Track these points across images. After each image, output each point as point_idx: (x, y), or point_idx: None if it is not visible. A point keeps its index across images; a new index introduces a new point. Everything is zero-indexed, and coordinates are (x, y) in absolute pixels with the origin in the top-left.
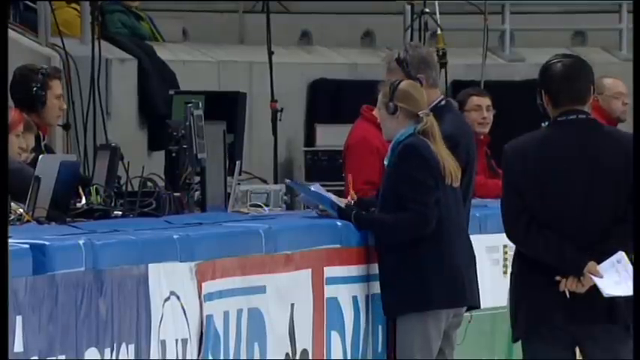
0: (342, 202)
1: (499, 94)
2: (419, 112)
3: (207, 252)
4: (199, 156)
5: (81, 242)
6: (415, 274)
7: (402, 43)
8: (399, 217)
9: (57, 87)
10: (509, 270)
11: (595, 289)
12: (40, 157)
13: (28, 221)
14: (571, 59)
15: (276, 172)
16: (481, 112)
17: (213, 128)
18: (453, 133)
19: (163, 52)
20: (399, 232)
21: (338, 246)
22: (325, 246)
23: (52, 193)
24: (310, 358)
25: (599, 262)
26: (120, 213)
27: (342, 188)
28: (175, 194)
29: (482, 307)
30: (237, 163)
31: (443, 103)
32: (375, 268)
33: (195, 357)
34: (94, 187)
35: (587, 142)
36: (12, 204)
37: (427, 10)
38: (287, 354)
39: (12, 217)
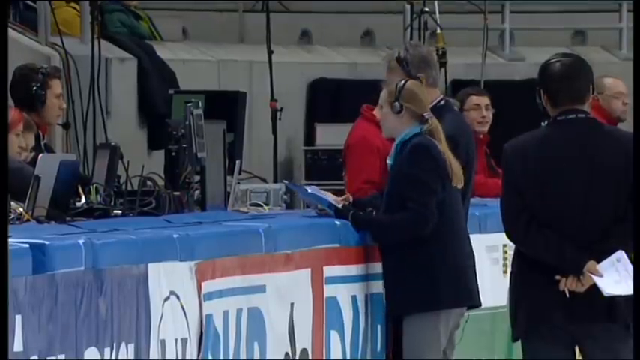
0: (339, 203)
1: (499, 93)
2: (424, 114)
3: (206, 251)
4: (199, 155)
5: (81, 241)
6: (424, 273)
7: (402, 43)
8: (396, 218)
9: (57, 86)
10: (509, 269)
11: (595, 288)
12: (40, 156)
13: (27, 220)
14: (570, 58)
15: (276, 171)
16: (480, 111)
17: (213, 127)
18: (452, 133)
19: (163, 52)
20: (396, 233)
21: (337, 245)
22: (325, 245)
23: (51, 192)
24: (310, 357)
25: (598, 261)
26: (120, 212)
27: (342, 188)
28: (175, 193)
29: (482, 306)
30: (237, 162)
31: (442, 102)
32: (374, 268)
33: (194, 356)
34: (94, 186)
35: (586, 142)
36: (12, 203)
37: (427, 9)
38: (286, 353)
39: (12, 216)
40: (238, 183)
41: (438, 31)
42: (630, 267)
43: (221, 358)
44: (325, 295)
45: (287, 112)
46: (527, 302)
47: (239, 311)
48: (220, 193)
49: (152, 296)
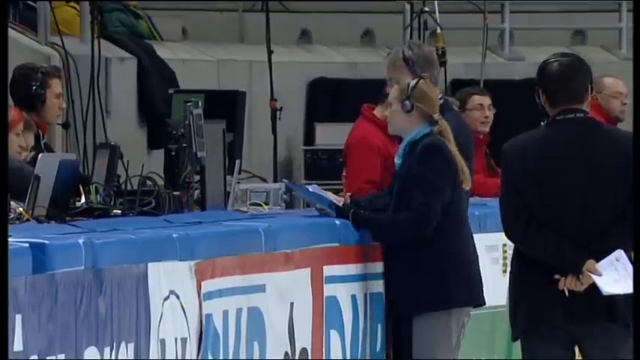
0: (340, 202)
1: (499, 93)
2: (433, 115)
3: (206, 251)
4: (199, 155)
5: (80, 241)
6: (433, 273)
7: (402, 42)
8: (398, 218)
9: (57, 86)
10: (509, 269)
11: (594, 287)
12: (40, 155)
13: (27, 220)
14: (568, 58)
15: (276, 171)
16: (483, 111)
17: (212, 127)
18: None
19: (163, 51)
20: (397, 232)
21: (337, 245)
22: (324, 245)
23: (51, 192)
24: (309, 357)
25: (597, 261)
26: (119, 212)
27: (342, 187)
28: (175, 193)
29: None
30: (237, 161)
31: (441, 101)
32: (374, 267)
33: (194, 356)
34: (94, 185)
35: (585, 141)
36: (12, 203)
37: (427, 9)
38: (286, 353)
39: (12, 215)
40: (238, 182)
41: (438, 30)
42: (630, 266)
43: (221, 357)
44: (325, 294)
45: (287, 111)
46: (527, 302)
47: (239, 311)
48: (220, 193)
49: (152, 296)
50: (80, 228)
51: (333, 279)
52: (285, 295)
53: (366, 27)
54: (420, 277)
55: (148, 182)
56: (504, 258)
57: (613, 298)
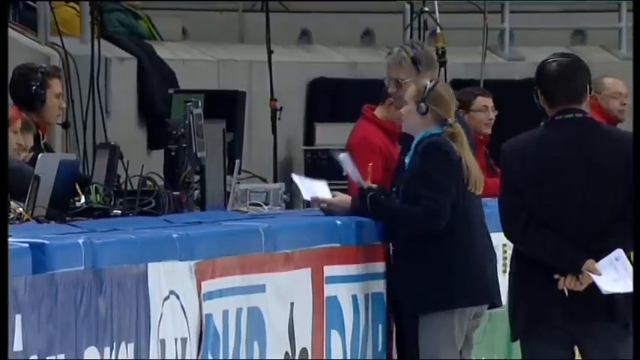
0: (364, 183)
1: (498, 93)
2: (448, 118)
3: (206, 251)
4: (199, 155)
5: (80, 241)
6: (437, 272)
7: (402, 42)
8: (410, 210)
9: (56, 86)
10: (508, 269)
11: (594, 287)
12: (40, 156)
13: (27, 220)
14: (567, 58)
15: (276, 171)
16: (487, 113)
17: (212, 127)
18: None
19: (163, 51)
20: (408, 224)
21: (337, 245)
22: (325, 245)
23: (51, 192)
24: (310, 357)
25: (597, 261)
26: (119, 212)
27: (342, 187)
28: (175, 193)
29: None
30: (237, 161)
31: None
32: (374, 268)
33: (194, 356)
34: (94, 185)
35: (584, 141)
36: (11, 203)
37: (427, 9)
38: (286, 353)
39: (11, 216)
40: (238, 182)
41: (438, 30)
42: (629, 266)
43: (221, 357)
44: (325, 294)
45: (287, 111)
46: (526, 302)
47: (239, 311)
48: (220, 193)
49: (152, 296)
50: (80, 228)
51: (333, 279)
52: (285, 295)
53: (366, 27)
54: (424, 277)
55: (148, 182)
56: (504, 258)
57: (613, 298)
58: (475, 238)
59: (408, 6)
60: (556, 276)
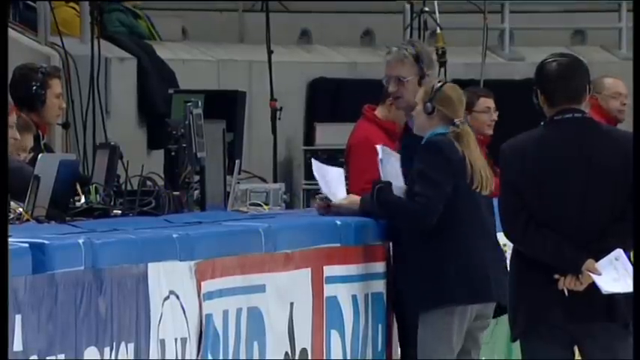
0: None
1: (498, 93)
2: (455, 120)
3: (206, 251)
4: (199, 155)
5: (80, 241)
6: (435, 270)
7: (402, 42)
8: (406, 205)
9: (56, 86)
10: (508, 269)
11: (594, 287)
12: (40, 156)
13: (27, 220)
14: (566, 58)
15: (276, 171)
16: (490, 114)
17: (212, 127)
18: None
19: (163, 51)
20: (402, 218)
21: (337, 245)
22: (324, 245)
23: (51, 192)
24: (309, 357)
25: (597, 260)
26: (119, 212)
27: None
28: (175, 193)
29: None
30: (237, 161)
31: None
32: (374, 267)
33: (194, 356)
34: (94, 185)
35: (584, 141)
36: (11, 203)
37: (427, 9)
38: (286, 353)
39: (11, 216)
40: (238, 183)
41: (438, 30)
42: (629, 265)
43: (221, 357)
44: (325, 294)
45: (287, 111)
46: (526, 302)
47: (239, 311)
48: (220, 193)
49: (152, 296)
50: (80, 228)
51: (333, 279)
52: (285, 295)
53: (366, 27)
54: (422, 275)
55: (148, 182)
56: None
57: (613, 298)
58: (476, 237)
59: (408, 6)
60: (556, 276)
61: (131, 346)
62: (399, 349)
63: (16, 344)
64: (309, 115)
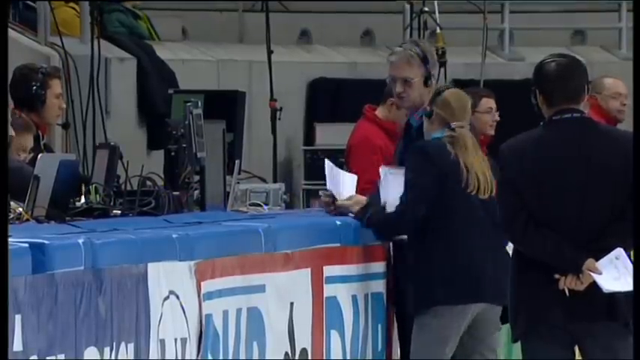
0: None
1: (498, 93)
2: (452, 123)
3: (206, 251)
4: (199, 155)
5: (80, 241)
6: (423, 272)
7: (402, 42)
8: (385, 217)
9: (56, 86)
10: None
11: (594, 286)
12: (40, 156)
13: (27, 220)
14: (565, 59)
15: (276, 171)
16: (492, 114)
17: (212, 127)
18: None
19: (163, 51)
20: (383, 228)
21: (337, 245)
22: (324, 245)
23: (51, 192)
24: (309, 357)
25: (597, 260)
26: (119, 212)
27: None
28: (175, 193)
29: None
30: (237, 162)
31: None
32: (374, 268)
33: (194, 356)
34: (94, 186)
35: (583, 141)
36: (11, 203)
37: (426, 9)
38: (286, 353)
39: (11, 216)
40: (238, 183)
41: (438, 30)
42: (629, 264)
43: (220, 357)
44: (325, 294)
45: (286, 111)
46: (526, 302)
47: (238, 311)
48: (220, 193)
49: (152, 296)
50: (80, 228)
51: (333, 279)
52: (284, 295)
53: (366, 27)
54: (416, 276)
55: (148, 182)
56: None
57: (613, 297)
58: (468, 238)
59: (408, 6)
60: (557, 276)
61: (131, 346)
62: (399, 349)
63: (16, 344)
64: (309, 115)
